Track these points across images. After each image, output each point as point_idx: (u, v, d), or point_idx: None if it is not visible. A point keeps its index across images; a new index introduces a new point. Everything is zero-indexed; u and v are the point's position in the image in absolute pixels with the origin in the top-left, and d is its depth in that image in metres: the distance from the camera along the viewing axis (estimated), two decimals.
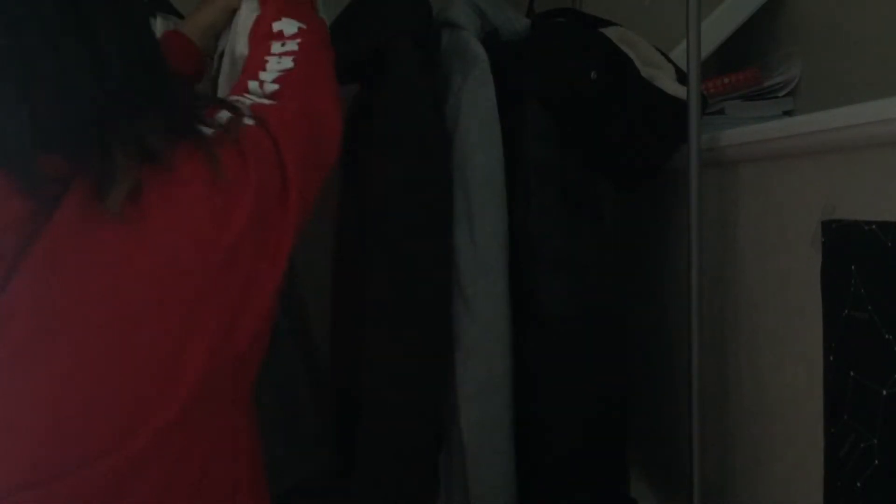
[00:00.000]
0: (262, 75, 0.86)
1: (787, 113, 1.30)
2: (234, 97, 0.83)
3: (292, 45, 0.91)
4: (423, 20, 1.17)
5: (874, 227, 0.80)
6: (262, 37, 0.94)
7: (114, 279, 0.66)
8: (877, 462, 0.80)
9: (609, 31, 1.19)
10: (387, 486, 1.12)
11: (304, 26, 0.94)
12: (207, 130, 0.75)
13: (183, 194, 0.69)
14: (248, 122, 0.78)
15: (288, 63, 0.88)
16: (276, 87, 0.85)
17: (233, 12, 1.09)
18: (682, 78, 1.18)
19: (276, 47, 0.91)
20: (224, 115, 0.78)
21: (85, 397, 0.65)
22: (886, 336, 0.78)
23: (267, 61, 0.89)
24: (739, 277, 1.11)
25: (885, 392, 0.79)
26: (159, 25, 1.15)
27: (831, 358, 0.88)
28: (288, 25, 0.93)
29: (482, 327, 1.10)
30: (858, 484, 0.83)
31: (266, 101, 0.83)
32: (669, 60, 1.22)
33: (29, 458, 0.64)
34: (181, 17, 1.17)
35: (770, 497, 1.04)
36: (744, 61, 1.40)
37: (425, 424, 1.13)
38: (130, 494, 0.68)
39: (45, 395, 0.64)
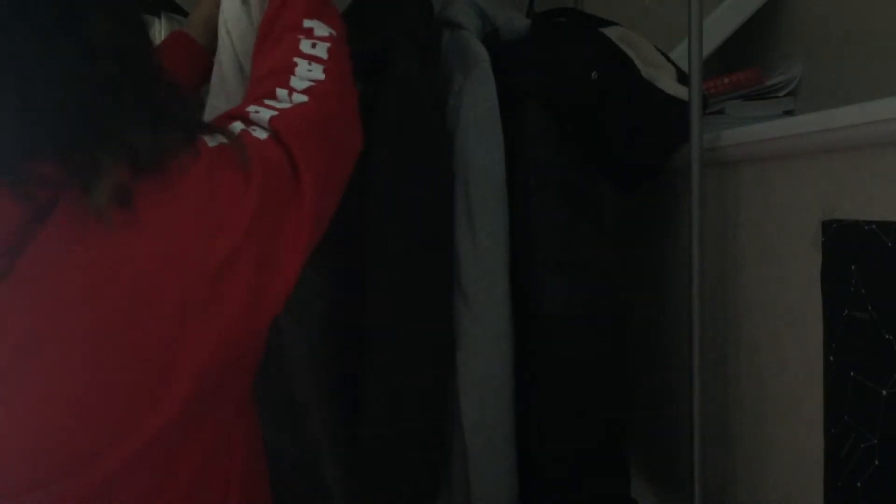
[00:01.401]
0: (293, 82, 0.82)
1: (788, 113, 1.30)
2: (254, 107, 0.79)
3: (322, 51, 0.87)
4: (424, 19, 1.17)
5: (874, 226, 0.80)
6: (287, 27, 0.88)
7: (100, 287, 0.64)
8: (877, 462, 0.80)
9: (609, 31, 1.19)
10: (389, 486, 1.12)
11: (334, 33, 0.90)
12: (212, 140, 0.72)
13: (176, 205, 0.67)
14: (262, 135, 0.76)
15: (318, 73, 0.84)
16: (304, 98, 0.81)
17: None
18: (682, 78, 1.18)
19: (304, 45, 0.86)
20: (237, 126, 0.76)
21: (73, 402, 0.65)
22: (887, 336, 0.78)
23: (296, 65, 0.84)
24: (740, 277, 1.11)
25: (885, 392, 0.79)
26: (164, 26, 1.15)
27: (831, 358, 0.88)
28: (320, 28, 0.89)
29: (483, 327, 1.10)
30: (859, 484, 0.83)
31: (287, 106, 0.80)
32: (670, 60, 1.22)
33: (21, 462, 0.63)
34: (157, 15, 1.16)
35: (770, 497, 1.04)
36: (744, 61, 1.40)
37: (428, 425, 1.13)
38: (120, 496, 0.67)
39: (34, 399, 0.64)
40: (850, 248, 0.85)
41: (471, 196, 1.10)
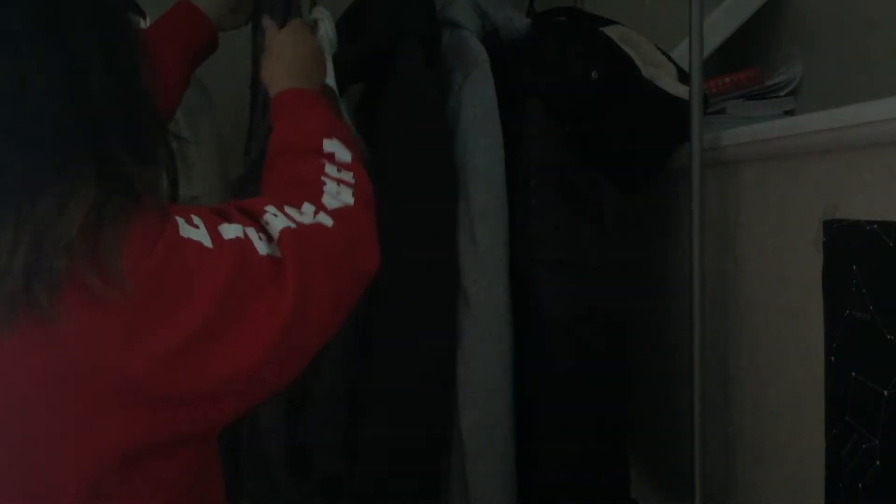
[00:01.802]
0: (325, 199, 0.79)
1: (789, 112, 1.30)
2: (273, 209, 0.73)
3: (348, 176, 0.84)
4: (427, 19, 1.16)
5: (875, 226, 0.80)
6: (309, 151, 0.85)
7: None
8: (878, 463, 0.80)
9: (610, 30, 1.19)
10: (389, 486, 1.12)
11: (355, 158, 0.87)
12: (188, 230, 0.65)
13: (103, 309, 0.60)
14: (263, 246, 0.69)
15: (348, 197, 0.81)
16: (329, 220, 0.76)
17: None
18: (683, 77, 1.17)
19: (330, 169, 0.83)
20: (235, 228, 0.68)
21: None
22: (888, 336, 0.78)
23: (325, 184, 0.81)
24: (740, 277, 1.10)
25: (886, 393, 0.79)
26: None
27: (833, 358, 0.88)
28: (340, 150, 0.86)
29: (483, 328, 1.10)
30: (860, 485, 0.83)
31: (308, 222, 0.75)
32: (670, 60, 1.22)
33: None
34: (143, 15, 1.16)
35: (771, 498, 1.04)
36: (745, 61, 1.40)
37: (429, 426, 1.13)
38: None
39: None
40: (850, 248, 0.84)
41: (470, 196, 1.10)
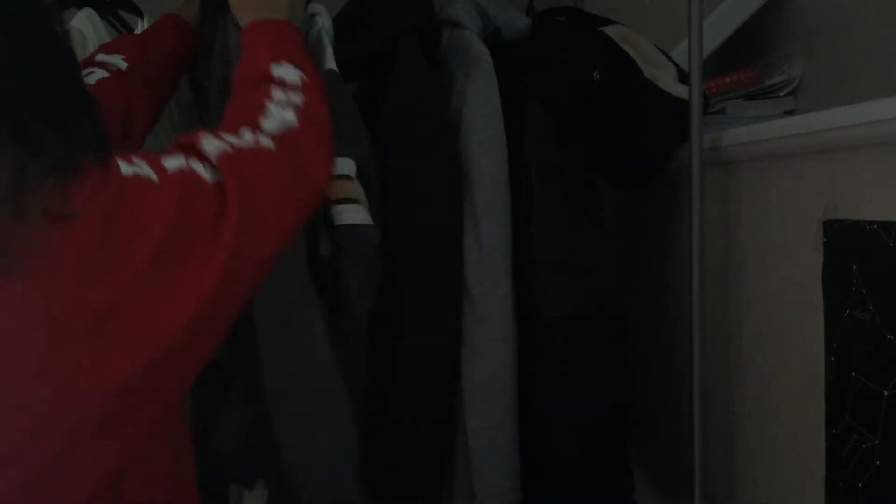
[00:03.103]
0: (264, 122, 0.79)
1: (789, 112, 1.30)
2: (209, 137, 0.74)
3: (295, 97, 0.84)
4: (427, 18, 1.16)
5: (875, 226, 0.80)
6: (257, 80, 0.86)
7: None
8: (878, 463, 0.80)
9: (610, 30, 1.19)
10: (393, 487, 1.12)
11: (305, 78, 0.87)
12: (129, 167, 0.67)
13: (58, 252, 0.61)
14: (204, 171, 0.70)
15: (290, 117, 0.81)
16: (270, 143, 0.77)
17: None
18: (683, 77, 1.17)
19: (277, 94, 0.84)
20: (177, 160, 0.70)
21: None
22: (888, 336, 0.78)
23: (266, 108, 0.82)
24: (741, 277, 1.10)
25: (886, 393, 0.79)
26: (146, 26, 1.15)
27: (833, 358, 0.88)
28: (288, 72, 0.87)
29: (487, 329, 1.10)
30: (860, 485, 0.83)
31: (247, 147, 0.76)
32: (671, 60, 1.22)
33: None
34: (140, 14, 1.17)
35: (772, 498, 1.04)
36: (745, 61, 1.40)
37: (433, 426, 1.13)
38: None
39: None
40: (851, 248, 0.84)
41: (474, 197, 1.10)
